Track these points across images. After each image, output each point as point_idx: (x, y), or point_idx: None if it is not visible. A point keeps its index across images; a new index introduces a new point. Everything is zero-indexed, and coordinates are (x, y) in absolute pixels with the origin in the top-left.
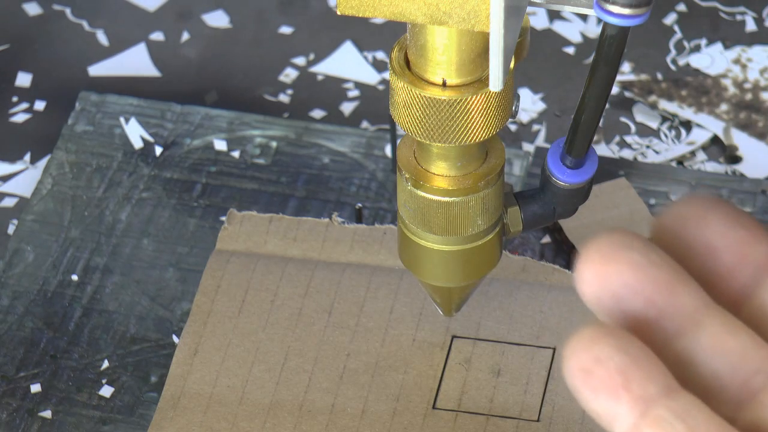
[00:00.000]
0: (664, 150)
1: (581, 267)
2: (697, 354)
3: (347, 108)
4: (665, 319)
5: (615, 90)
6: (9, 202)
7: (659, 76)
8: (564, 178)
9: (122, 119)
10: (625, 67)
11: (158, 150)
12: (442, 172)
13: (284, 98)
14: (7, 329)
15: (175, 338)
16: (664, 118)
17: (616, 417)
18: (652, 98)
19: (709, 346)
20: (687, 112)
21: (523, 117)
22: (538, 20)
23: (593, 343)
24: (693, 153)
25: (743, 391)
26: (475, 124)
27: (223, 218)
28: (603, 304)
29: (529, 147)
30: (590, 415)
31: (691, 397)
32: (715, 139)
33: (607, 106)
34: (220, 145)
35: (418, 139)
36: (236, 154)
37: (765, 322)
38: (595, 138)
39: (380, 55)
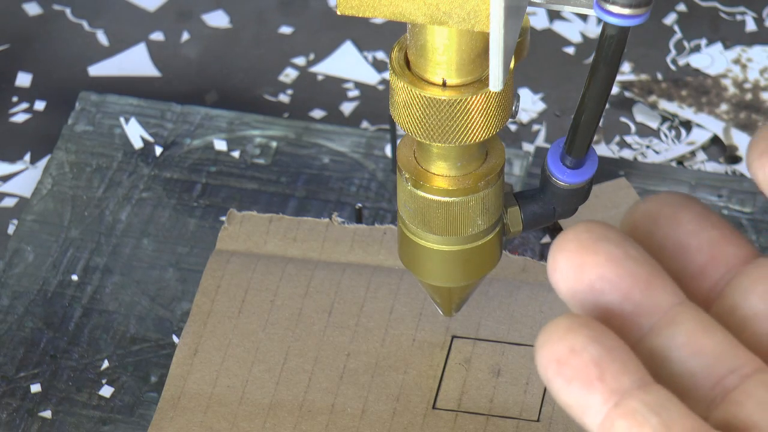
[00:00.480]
0: (664, 150)
1: (555, 256)
2: (671, 351)
3: (347, 108)
4: (641, 315)
5: (615, 90)
6: (9, 202)
7: (659, 76)
8: (564, 178)
9: (122, 119)
10: (625, 67)
11: (158, 150)
12: (442, 172)
13: (284, 98)
14: (7, 329)
15: (175, 338)
16: (664, 118)
17: (588, 408)
18: (652, 98)
19: (685, 344)
20: (687, 112)
21: (523, 117)
22: (538, 20)
23: (568, 333)
24: (693, 153)
25: (716, 389)
26: (475, 124)
27: (223, 218)
28: (578, 296)
29: (529, 147)
30: (561, 406)
31: (666, 392)
32: (715, 139)
33: (607, 106)
34: (220, 145)
35: (418, 139)
36: (236, 154)
37: (734, 321)
38: (595, 138)
39: (380, 55)
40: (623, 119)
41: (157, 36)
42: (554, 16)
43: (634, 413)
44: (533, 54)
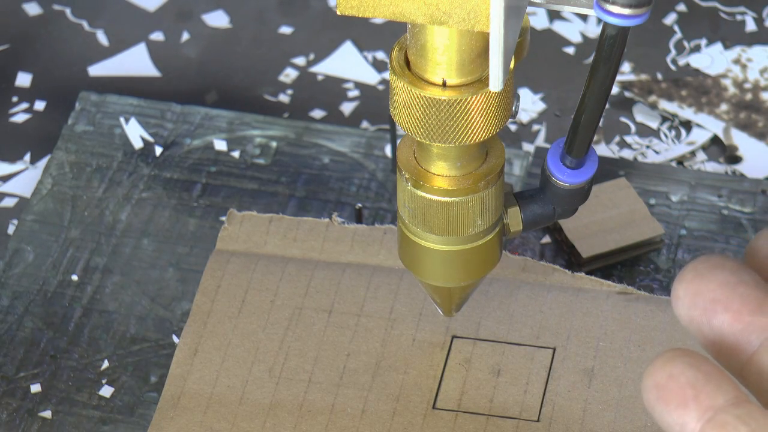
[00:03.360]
0: (664, 150)
1: (676, 287)
2: None
3: (347, 108)
4: (750, 333)
5: (615, 90)
6: (9, 202)
7: (659, 76)
8: (564, 178)
9: (122, 119)
10: (625, 67)
11: (158, 150)
12: (442, 172)
13: (284, 98)
14: (7, 329)
15: (175, 338)
16: (664, 118)
17: (685, 426)
18: (652, 98)
19: None
20: (687, 112)
21: (523, 117)
22: (538, 20)
23: (667, 362)
24: (693, 153)
25: None
26: (475, 124)
27: (223, 218)
28: (695, 320)
29: (529, 147)
30: (662, 429)
31: (758, 407)
32: (715, 139)
33: (607, 106)
34: (220, 145)
35: (418, 139)
36: (236, 154)
37: None
38: (595, 138)
39: (380, 55)
40: (623, 119)
41: (157, 36)
42: (554, 16)
43: (725, 424)
44: (533, 54)
